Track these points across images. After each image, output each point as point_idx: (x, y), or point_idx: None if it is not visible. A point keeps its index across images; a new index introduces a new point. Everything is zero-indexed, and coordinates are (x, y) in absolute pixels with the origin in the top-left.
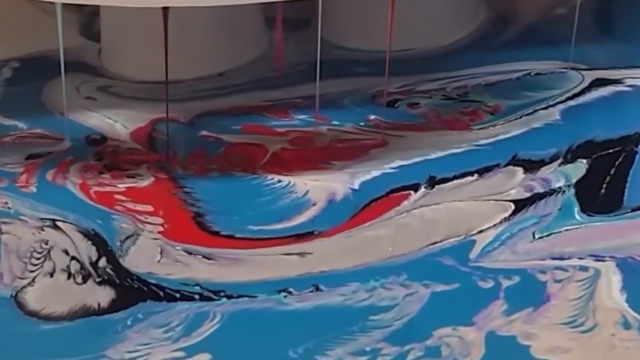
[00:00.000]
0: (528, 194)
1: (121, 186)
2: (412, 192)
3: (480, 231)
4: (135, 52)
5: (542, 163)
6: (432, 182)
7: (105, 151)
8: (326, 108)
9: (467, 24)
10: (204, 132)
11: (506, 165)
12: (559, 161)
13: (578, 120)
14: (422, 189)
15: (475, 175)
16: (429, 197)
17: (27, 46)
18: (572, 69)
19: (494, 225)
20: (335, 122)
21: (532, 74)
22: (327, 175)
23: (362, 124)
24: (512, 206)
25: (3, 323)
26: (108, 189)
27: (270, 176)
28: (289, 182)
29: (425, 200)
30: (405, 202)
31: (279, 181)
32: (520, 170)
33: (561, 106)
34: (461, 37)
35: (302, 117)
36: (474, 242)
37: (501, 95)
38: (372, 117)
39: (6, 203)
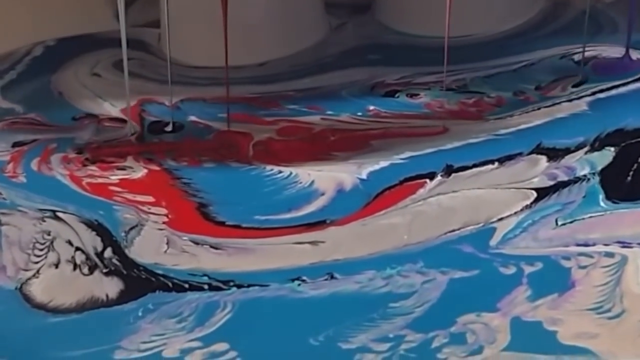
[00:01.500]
0: (551, 182)
1: (114, 178)
2: (427, 180)
3: (501, 219)
4: (194, 38)
5: (567, 151)
6: (449, 171)
7: (88, 147)
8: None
9: (525, 10)
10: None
11: (529, 153)
12: (585, 149)
13: (608, 110)
14: (439, 177)
15: (496, 164)
16: (446, 185)
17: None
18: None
19: (515, 212)
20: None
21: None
22: (331, 165)
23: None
24: (535, 194)
25: (11, 316)
26: (100, 180)
27: (269, 167)
28: (291, 173)
29: (442, 188)
30: (421, 190)
31: (280, 172)
32: (544, 158)
33: (588, 98)
34: (519, 24)
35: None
36: (494, 229)
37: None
38: (372, 107)
39: (0, 194)
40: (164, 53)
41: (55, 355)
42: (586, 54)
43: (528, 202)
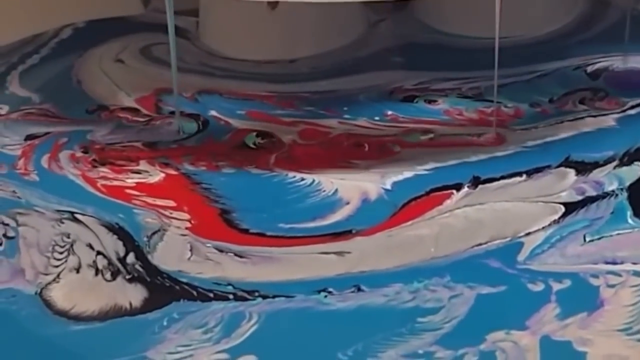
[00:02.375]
0: (580, 197)
1: (130, 181)
2: (454, 191)
3: (528, 233)
4: (233, 30)
5: (596, 165)
6: (476, 182)
7: (93, 147)
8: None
9: (564, 14)
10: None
11: (558, 166)
12: (614, 164)
13: (638, 125)
14: (465, 189)
15: (524, 176)
16: (473, 196)
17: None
18: None
19: (543, 227)
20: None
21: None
22: (354, 174)
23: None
24: (562, 208)
25: (32, 323)
26: (116, 183)
27: (291, 174)
28: (314, 181)
29: (469, 199)
30: (448, 202)
31: (302, 179)
32: (572, 172)
33: (616, 115)
34: (558, 27)
35: None
36: (521, 244)
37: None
38: (389, 112)
39: (14, 192)
40: (202, 42)
41: None
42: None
43: (556, 217)
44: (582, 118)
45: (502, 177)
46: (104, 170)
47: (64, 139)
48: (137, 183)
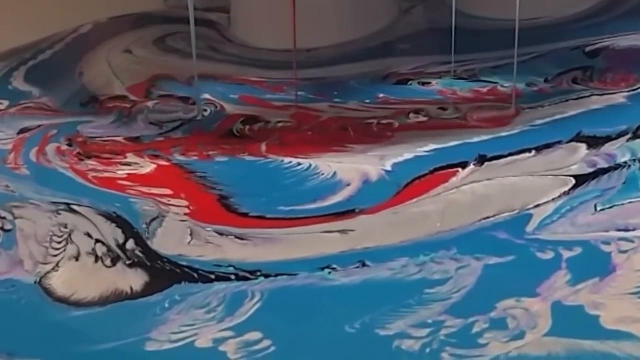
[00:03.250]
0: (591, 169)
1: (121, 173)
2: (460, 169)
3: (537, 205)
4: (263, 21)
5: (608, 139)
6: (482, 160)
7: (76, 140)
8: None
9: None
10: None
11: (569, 142)
12: (627, 137)
13: None
14: (471, 167)
15: (533, 152)
16: (480, 173)
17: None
18: None
19: (553, 199)
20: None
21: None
22: (351, 158)
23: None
24: (573, 181)
25: (33, 310)
26: (107, 174)
27: (287, 159)
28: (310, 165)
29: (476, 176)
30: (454, 179)
31: (299, 164)
32: (583, 146)
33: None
34: (588, 7)
35: None
36: (530, 216)
37: None
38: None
39: (7, 186)
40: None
41: (84, 350)
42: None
43: (566, 189)
44: (589, 97)
45: (510, 154)
46: (92, 163)
47: (53, 131)
48: (128, 174)
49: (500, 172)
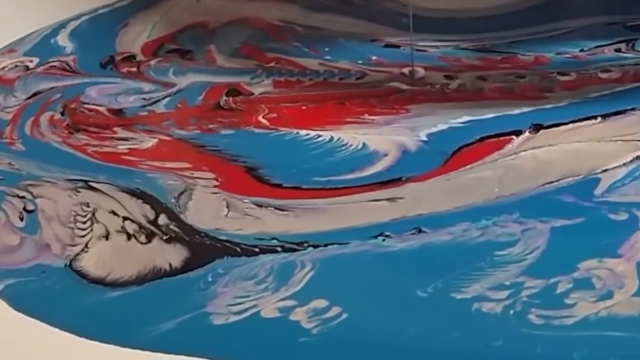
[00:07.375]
0: None
1: (122, 147)
2: (514, 137)
3: (606, 170)
4: None
5: None
6: (537, 128)
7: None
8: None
9: None
10: None
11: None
12: None
13: None
14: (526, 134)
15: (599, 119)
16: (541, 139)
17: None
18: None
19: (624, 164)
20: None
21: None
22: (376, 129)
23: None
24: None
25: (69, 295)
26: (107, 149)
27: (303, 131)
28: (332, 137)
29: (536, 142)
30: (510, 146)
31: (319, 135)
32: None
33: None
34: None
35: None
36: (598, 180)
37: None
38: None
39: (10, 164)
40: None
41: (147, 330)
42: None
43: (639, 153)
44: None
45: (572, 122)
46: (83, 137)
47: (57, 95)
48: (129, 149)
49: (563, 137)
